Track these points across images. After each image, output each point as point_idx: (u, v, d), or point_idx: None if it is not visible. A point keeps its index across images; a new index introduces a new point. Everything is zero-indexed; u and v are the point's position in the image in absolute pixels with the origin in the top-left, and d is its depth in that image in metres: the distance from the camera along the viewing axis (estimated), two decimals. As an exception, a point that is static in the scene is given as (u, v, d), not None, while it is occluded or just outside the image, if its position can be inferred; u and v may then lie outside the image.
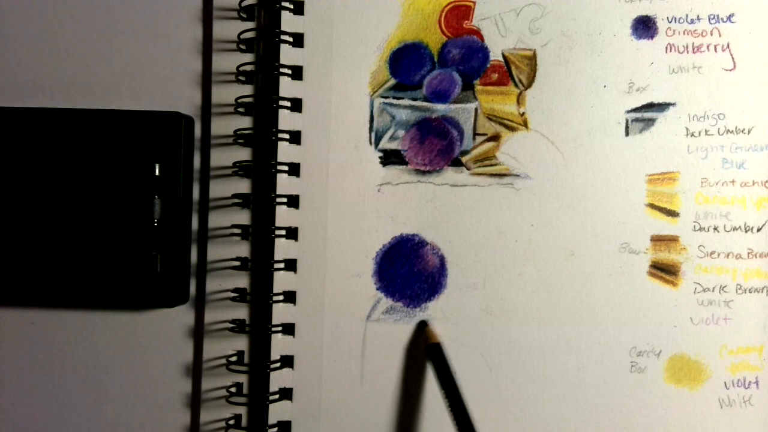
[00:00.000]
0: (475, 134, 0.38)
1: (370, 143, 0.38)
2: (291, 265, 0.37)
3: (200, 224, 0.38)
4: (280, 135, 0.37)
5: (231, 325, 0.37)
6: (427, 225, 0.38)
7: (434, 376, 0.36)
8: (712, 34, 0.37)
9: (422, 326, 0.37)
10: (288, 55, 0.37)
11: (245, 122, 0.38)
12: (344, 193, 0.38)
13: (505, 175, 0.38)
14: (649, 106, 0.38)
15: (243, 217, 0.38)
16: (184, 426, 0.38)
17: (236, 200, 0.37)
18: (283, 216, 0.37)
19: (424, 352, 0.37)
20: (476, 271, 0.38)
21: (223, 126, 0.38)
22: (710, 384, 0.38)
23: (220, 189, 0.38)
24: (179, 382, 0.38)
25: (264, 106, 0.37)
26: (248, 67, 0.37)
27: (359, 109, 0.38)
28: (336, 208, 0.38)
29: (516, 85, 0.38)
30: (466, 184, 0.38)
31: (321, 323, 0.37)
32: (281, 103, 0.37)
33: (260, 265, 0.37)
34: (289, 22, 0.37)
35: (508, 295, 0.38)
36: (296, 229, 0.37)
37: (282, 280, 0.37)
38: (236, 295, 0.37)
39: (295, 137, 0.37)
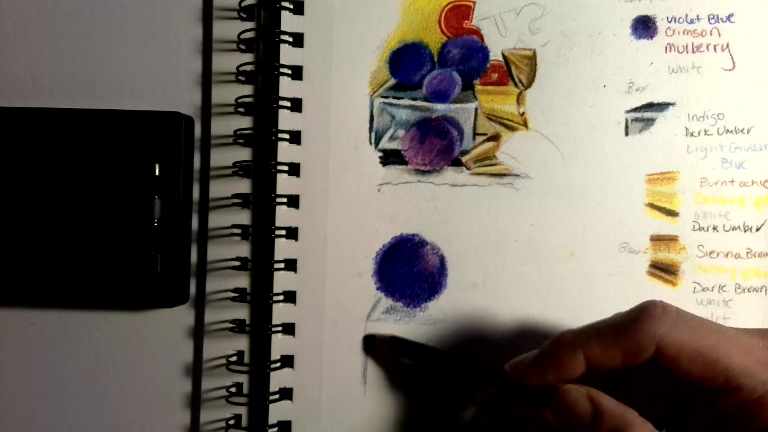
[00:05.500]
0: (475, 134, 0.38)
1: (370, 143, 0.38)
2: (291, 265, 0.37)
3: (200, 224, 0.38)
4: (280, 135, 0.37)
5: (231, 325, 0.37)
6: (427, 225, 0.38)
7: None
8: (711, 34, 0.38)
9: (370, 340, 0.37)
10: (288, 55, 0.37)
11: (245, 122, 0.38)
12: (344, 193, 0.38)
13: (505, 174, 0.38)
14: (649, 106, 0.38)
15: (243, 217, 0.38)
16: (184, 426, 0.38)
17: (236, 200, 0.37)
18: (283, 216, 0.37)
19: (389, 352, 0.37)
20: (476, 271, 0.38)
21: (223, 126, 0.38)
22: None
23: (220, 189, 0.38)
24: (179, 382, 0.38)
25: (264, 106, 0.37)
26: (248, 67, 0.37)
27: (359, 109, 0.38)
28: (336, 208, 0.38)
29: (516, 85, 0.38)
30: (466, 184, 0.38)
31: (321, 323, 0.37)
32: (281, 103, 0.37)
33: (260, 265, 0.37)
34: (289, 22, 0.37)
35: (508, 295, 0.38)
36: (296, 229, 0.37)
37: (282, 280, 0.37)
38: (236, 295, 0.37)
39: (295, 137, 0.37)
